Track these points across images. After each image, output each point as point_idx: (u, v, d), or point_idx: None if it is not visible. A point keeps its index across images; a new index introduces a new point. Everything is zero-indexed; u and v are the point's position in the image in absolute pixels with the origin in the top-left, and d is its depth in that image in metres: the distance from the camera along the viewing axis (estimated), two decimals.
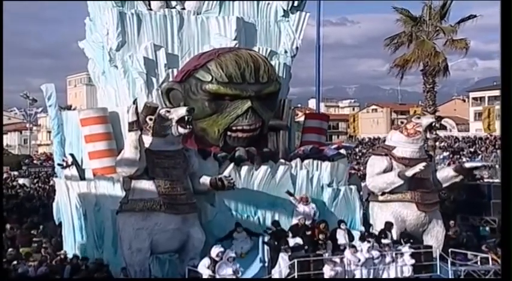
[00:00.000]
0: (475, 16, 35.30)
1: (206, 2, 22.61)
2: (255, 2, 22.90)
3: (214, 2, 22.61)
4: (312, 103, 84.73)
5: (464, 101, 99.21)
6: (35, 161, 70.94)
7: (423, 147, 20.73)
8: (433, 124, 20.66)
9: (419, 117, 20.96)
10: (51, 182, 42.84)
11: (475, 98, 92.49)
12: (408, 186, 20.15)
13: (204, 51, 21.38)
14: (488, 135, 71.13)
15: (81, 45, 22.99)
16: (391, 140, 20.96)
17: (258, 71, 20.23)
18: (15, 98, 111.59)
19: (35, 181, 48.12)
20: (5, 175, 51.19)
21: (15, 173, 56.03)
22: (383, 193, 20.39)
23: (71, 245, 21.57)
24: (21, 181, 48.16)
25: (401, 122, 21.05)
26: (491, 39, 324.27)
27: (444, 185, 21.25)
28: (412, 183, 20.12)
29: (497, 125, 79.82)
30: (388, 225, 19.66)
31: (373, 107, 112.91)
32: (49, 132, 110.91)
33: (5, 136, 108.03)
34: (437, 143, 36.55)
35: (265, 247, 18.26)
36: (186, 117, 17.66)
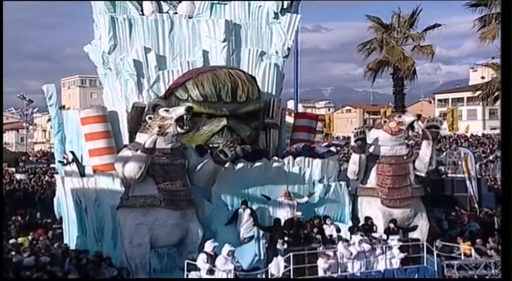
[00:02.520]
0: (440, 25, 35.53)
1: (197, 5, 21.97)
2: (246, 5, 22.16)
3: (206, 5, 21.95)
4: (290, 104, 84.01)
5: (430, 102, 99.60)
6: (31, 158, 70.23)
7: (396, 144, 19.97)
8: (414, 123, 19.95)
9: (400, 116, 20.42)
10: (47, 178, 42.84)
11: (440, 100, 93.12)
12: (376, 182, 19.75)
13: (188, 70, 20.71)
14: (452, 134, 71.39)
15: (86, 49, 22.24)
16: (371, 138, 20.31)
17: (235, 91, 19.47)
18: (12, 99, 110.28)
19: (31, 176, 47.44)
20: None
21: (13, 169, 55.29)
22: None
23: (71, 238, 20.83)
24: (18, 176, 47.67)
25: (384, 122, 20.46)
26: (452, 46, 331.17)
27: (431, 163, 20.20)
28: (379, 180, 19.73)
29: (460, 124, 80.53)
30: (371, 219, 19.15)
31: (347, 107, 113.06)
32: (44, 131, 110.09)
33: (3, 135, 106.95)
34: (405, 141, 36.62)
35: (261, 240, 17.67)
36: (185, 116, 17.06)
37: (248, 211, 18.21)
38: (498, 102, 36.37)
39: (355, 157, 19.63)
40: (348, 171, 20.16)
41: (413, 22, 37.11)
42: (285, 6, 22.05)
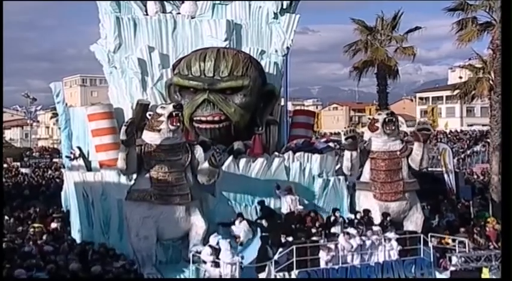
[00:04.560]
0: (420, 28, 35.43)
1: (200, 6, 21.36)
2: (247, 5, 21.52)
3: (208, 6, 21.34)
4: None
5: (411, 100, 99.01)
6: (34, 154, 70.12)
7: (390, 140, 19.49)
8: (386, 119, 19.45)
9: (380, 114, 20.09)
10: (50, 172, 42.16)
11: (420, 98, 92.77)
12: (369, 177, 19.32)
13: None
14: (432, 130, 71.36)
15: (92, 49, 21.51)
16: (364, 136, 20.22)
17: (218, 66, 18.92)
18: (17, 97, 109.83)
19: (35, 170, 47.06)
20: (8, 165, 50.58)
21: (18, 163, 54.95)
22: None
23: (78, 231, 20.14)
24: (23, 170, 47.20)
25: (369, 119, 20.06)
26: (432, 48, 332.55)
27: (424, 162, 19.88)
28: (372, 174, 19.32)
29: (439, 121, 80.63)
30: (367, 212, 18.61)
31: (334, 105, 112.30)
32: (47, 127, 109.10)
33: (8, 131, 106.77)
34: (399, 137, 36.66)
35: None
36: (174, 113, 16.49)
37: (244, 222, 17.45)
38: (475, 101, 36.71)
39: (347, 154, 19.26)
40: (343, 167, 19.68)
41: (396, 25, 36.79)
42: (284, 7, 21.44)
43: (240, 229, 17.30)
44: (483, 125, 63.34)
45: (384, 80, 35.54)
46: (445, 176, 27.81)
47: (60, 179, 35.29)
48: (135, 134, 16.39)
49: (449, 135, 71.74)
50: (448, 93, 66.32)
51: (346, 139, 18.96)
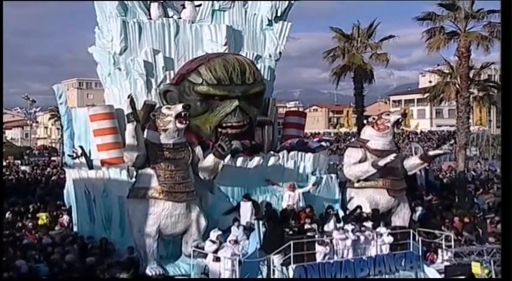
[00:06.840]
0: (394, 36, 35.49)
1: (200, 12, 20.68)
2: (243, 12, 20.91)
3: (207, 12, 20.69)
4: None
5: (386, 103, 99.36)
6: (34, 152, 69.66)
7: (393, 140, 19.06)
8: (400, 120, 18.98)
9: (388, 114, 19.35)
10: (48, 169, 41.24)
11: (394, 101, 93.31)
12: (380, 174, 18.47)
13: (196, 56, 19.43)
14: (404, 131, 71.74)
15: (90, 51, 20.74)
16: (364, 134, 19.31)
17: (244, 74, 18.22)
18: (17, 99, 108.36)
19: (34, 168, 46.51)
20: (9, 163, 50.25)
21: (18, 161, 54.65)
22: (358, 180, 18.71)
23: (80, 227, 19.57)
24: (23, 168, 46.85)
25: (373, 118, 19.32)
26: (404, 54, 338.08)
27: (410, 172, 19.49)
28: (383, 172, 18.44)
29: (411, 122, 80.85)
30: (360, 209, 18.00)
31: (314, 107, 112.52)
32: (46, 127, 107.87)
33: (9, 131, 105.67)
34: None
35: (261, 229, 16.36)
36: (183, 113, 15.88)
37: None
38: (443, 103, 36.91)
39: (369, 169, 18.28)
40: (351, 173, 18.75)
41: (371, 33, 36.66)
42: (278, 14, 20.88)
43: (239, 233, 16.48)
44: (450, 126, 63.60)
45: (360, 84, 35.45)
46: (417, 172, 27.76)
47: (58, 176, 34.63)
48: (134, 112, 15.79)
49: (420, 135, 71.90)
50: (419, 96, 66.50)
51: (385, 164, 17.94)
